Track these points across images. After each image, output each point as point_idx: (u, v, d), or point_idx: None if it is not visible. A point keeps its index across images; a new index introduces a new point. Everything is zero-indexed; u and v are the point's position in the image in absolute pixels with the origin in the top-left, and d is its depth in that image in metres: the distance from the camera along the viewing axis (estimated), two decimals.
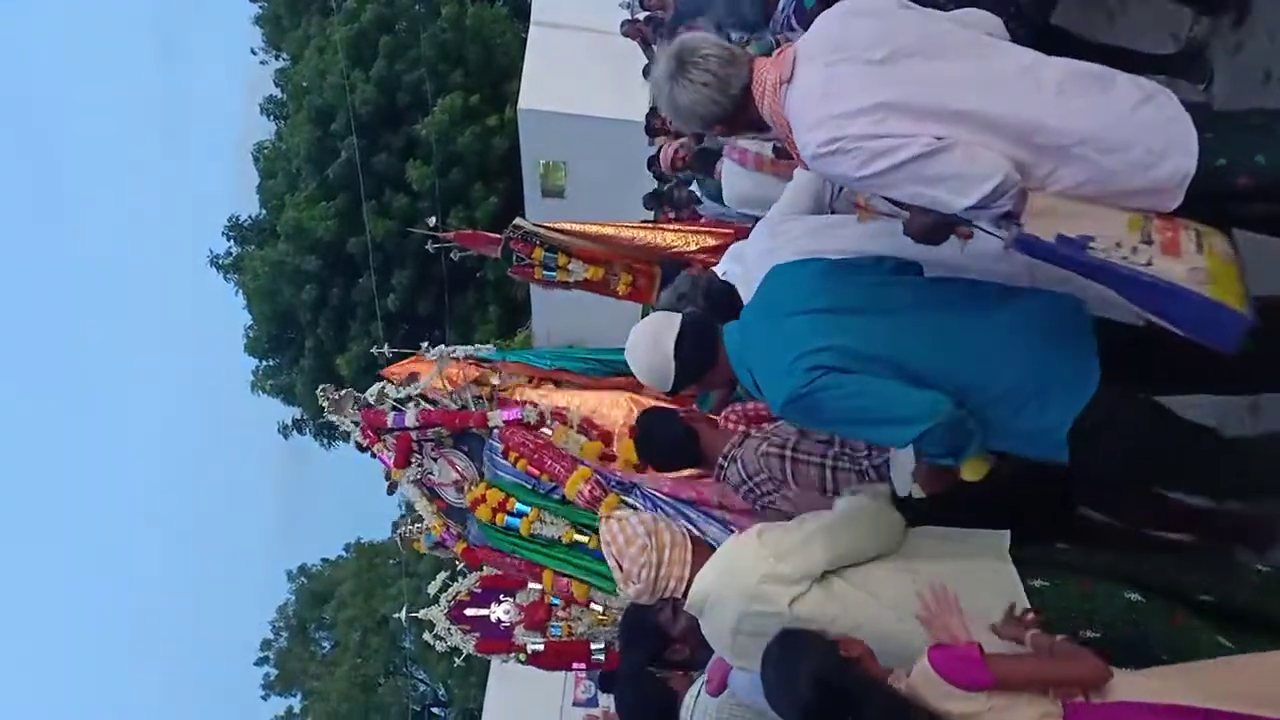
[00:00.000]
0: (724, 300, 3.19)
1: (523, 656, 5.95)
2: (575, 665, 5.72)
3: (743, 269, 3.27)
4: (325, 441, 25.48)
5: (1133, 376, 2.53)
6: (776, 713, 2.29)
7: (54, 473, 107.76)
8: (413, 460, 5.02)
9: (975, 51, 2.42)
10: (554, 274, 5.89)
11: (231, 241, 24.74)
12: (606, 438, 4.65)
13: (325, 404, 5.23)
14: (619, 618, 4.56)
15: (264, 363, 23.97)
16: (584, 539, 4.40)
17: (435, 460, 5.00)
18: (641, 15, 9.47)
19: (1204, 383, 2.72)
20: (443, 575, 6.46)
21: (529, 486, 4.56)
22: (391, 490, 5.29)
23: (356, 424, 5.12)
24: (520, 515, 4.54)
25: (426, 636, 6.13)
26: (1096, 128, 2.28)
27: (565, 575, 4.55)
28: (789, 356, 2.50)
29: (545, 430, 4.60)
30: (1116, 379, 2.44)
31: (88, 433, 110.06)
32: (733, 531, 3.43)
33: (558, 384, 5.11)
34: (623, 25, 9.74)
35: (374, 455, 5.17)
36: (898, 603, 2.49)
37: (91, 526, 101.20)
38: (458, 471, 4.92)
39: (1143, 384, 2.59)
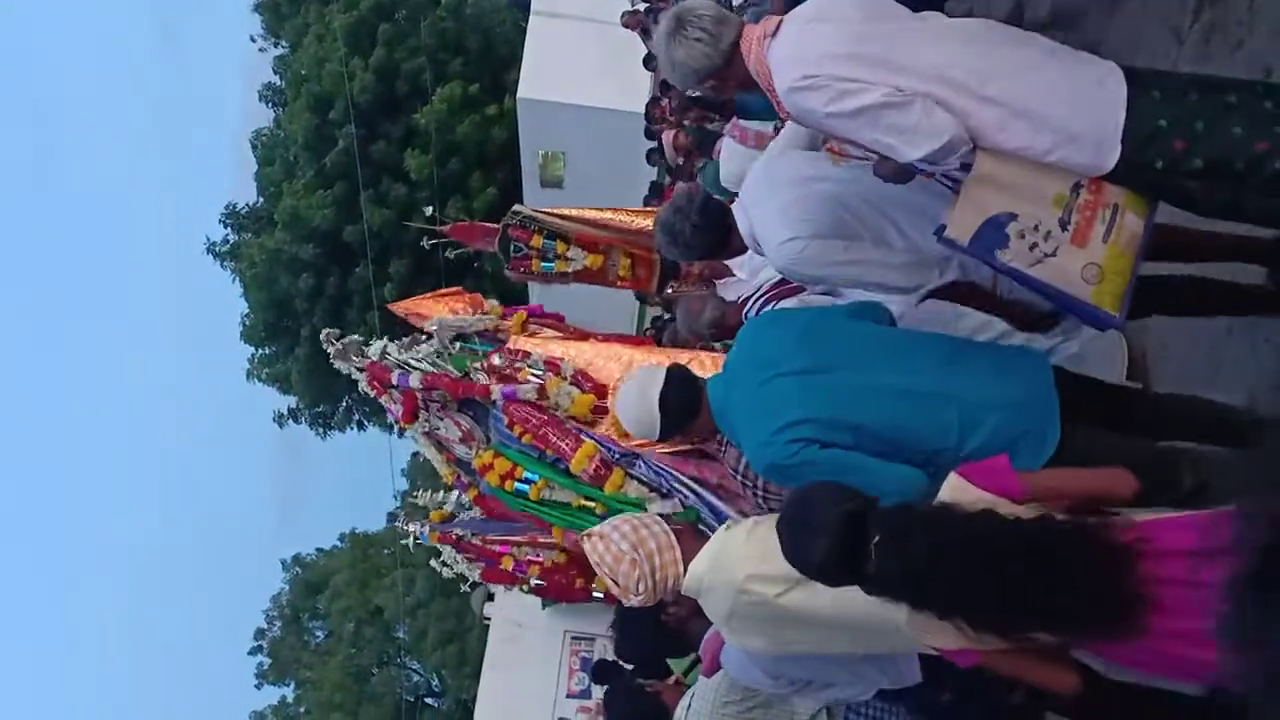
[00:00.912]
0: (716, 218, 3.28)
1: (526, 587, 5.87)
2: (577, 592, 5.55)
3: (740, 209, 3.30)
4: (321, 431, 25.50)
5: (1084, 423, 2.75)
6: (799, 566, 2.25)
7: (47, 461, 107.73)
8: (419, 415, 5.04)
9: (939, 24, 2.70)
10: (552, 265, 5.79)
11: (229, 229, 24.72)
12: (601, 391, 4.64)
13: (329, 349, 5.24)
14: None
15: (260, 351, 23.95)
16: (591, 505, 4.42)
17: (441, 419, 5.01)
18: (641, 6, 9.47)
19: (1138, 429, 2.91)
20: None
21: (535, 456, 4.57)
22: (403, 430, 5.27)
23: (361, 370, 5.13)
24: (529, 483, 4.56)
25: (433, 563, 6.05)
26: (1044, 81, 2.51)
27: (574, 532, 4.55)
28: (769, 427, 2.66)
29: (545, 401, 4.59)
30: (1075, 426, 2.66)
31: (82, 421, 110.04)
32: (729, 516, 3.44)
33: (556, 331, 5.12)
34: (623, 15, 9.74)
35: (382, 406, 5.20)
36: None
37: (85, 514, 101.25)
38: (463, 430, 4.94)
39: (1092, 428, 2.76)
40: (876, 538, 2.09)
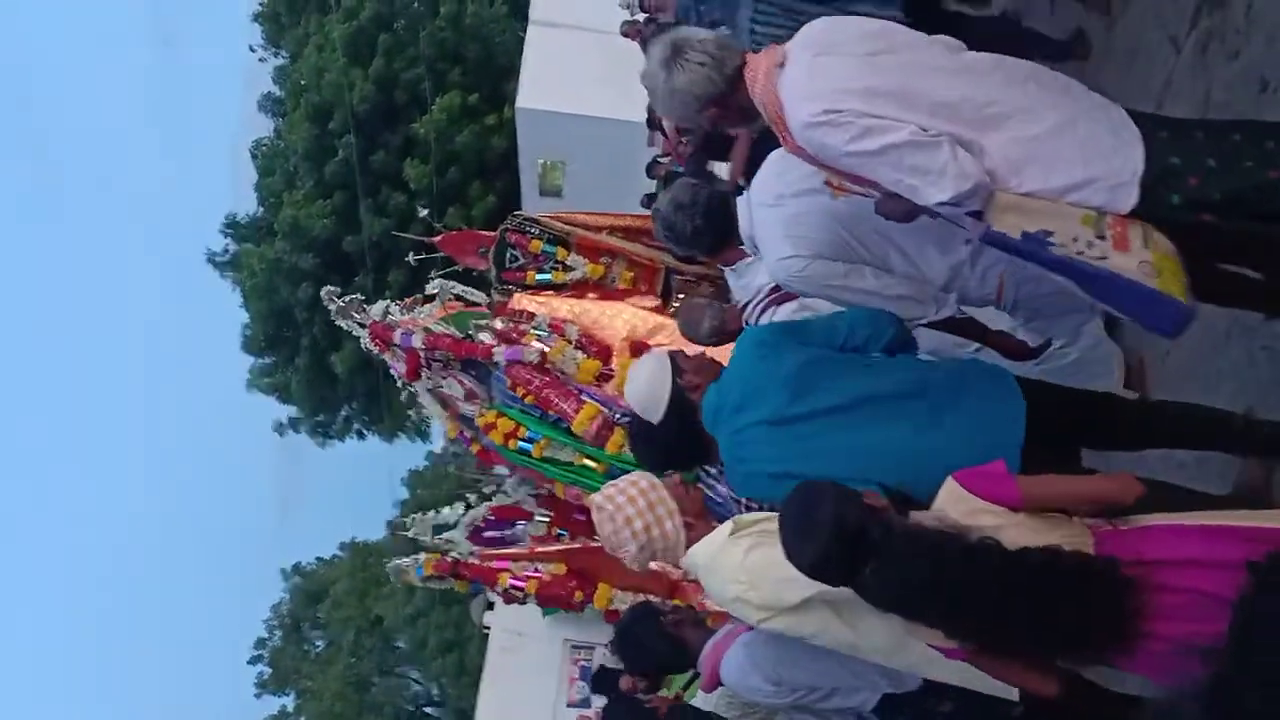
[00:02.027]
0: (719, 218, 3.25)
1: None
2: (575, 606, 5.50)
3: (745, 205, 3.28)
4: (320, 440, 25.48)
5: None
6: (793, 562, 2.24)
7: (48, 470, 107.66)
8: (422, 374, 5.02)
9: (950, 54, 2.62)
10: (549, 275, 5.67)
11: (229, 239, 24.73)
12: (605, 353, 4.66)
13: (330, 306, 5.23)
14: None
15: (260, 360, 23.95)
16: (592, 464, 4.41)
17: (444, 378, 5.00)
18: (641, 16, 9.46)
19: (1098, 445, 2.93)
20: (459, 505, 6.32)
21: (537, 416, 4.57)
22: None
23: (364, 326, 5.11)
24: (532, 442, 4.55)
25: (450, 557, 5.99)
26: (1062, 119, 2.45)
27: (576, 488, 4.53)
28: (744, 472, 2.83)
29: (547, 366, 4.59)
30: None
31: (82, 429, 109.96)
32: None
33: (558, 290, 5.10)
34: (622, 25, 9.72)
35: (385, 363, 5.19)
36: (882, 646, 2.59)
37: (85, 523, 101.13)
38: (466, 389, 4.93)
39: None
40: (872, 564, 2.08)
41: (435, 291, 5.39)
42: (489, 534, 6.06)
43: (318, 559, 33.21)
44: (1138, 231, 2.45)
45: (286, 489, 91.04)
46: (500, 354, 4.66)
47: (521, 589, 5.33)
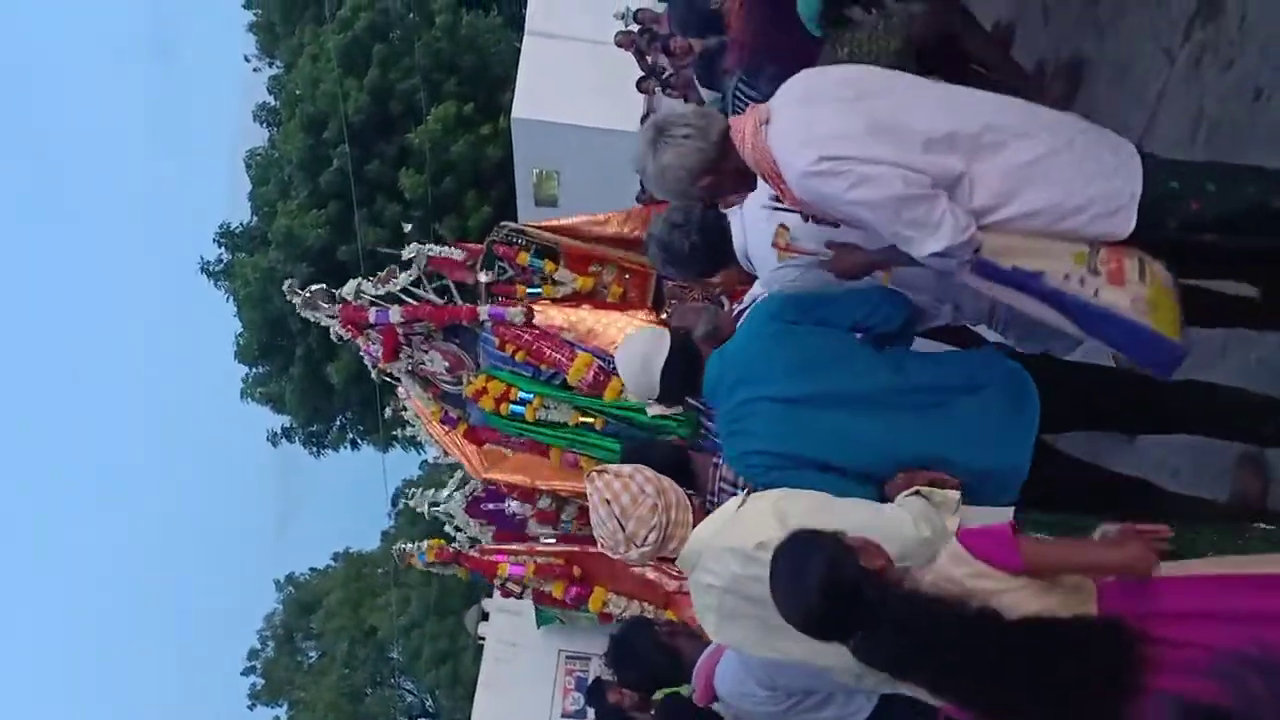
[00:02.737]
0: (716, 234, 3.23)
1: (525, 591, 5.71)
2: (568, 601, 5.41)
3: (737, 217, 3.26)
4: (315, 450, 25.43)
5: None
6: (782, 615, 2.16)
7: (40, 478, 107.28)
8: (401, 354, 4.91)
9: (934, 88, 2.64)
10: (539, 290, 5.46)
11: (222, 248, 24.70)
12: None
13: (295, 300, 5.09)
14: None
15: (254, 370, 23.90)
16: (590, 420, 4.35)
17: (426, 352, 4.89)
18: (635, 26, 9.50)
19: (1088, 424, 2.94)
20: (459, 473, 6.23)
21: (529, 375, 4.50)
22: (380, 375, 5.06)
23: (333, 317, 4.99)
24: (524, 403, 4.47)
25: (447, 528, 5.95)
26: (1058, 140, 2.44)
27: (573, 452, 4.44)
28: (741, 447, 2.79)
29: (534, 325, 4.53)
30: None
31: (74, 438, 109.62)
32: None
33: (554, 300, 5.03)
34: (617, 36, 9.76)
35: (358, 349, 5.02)
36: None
37: (77, 533, 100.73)
38: (451, 359, 4.85)
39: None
40: (865, 629, 2.01)
41: (412, 256, 5.25)
42: (487, 506, 6.05)
43: (311, 569, 33.14)
44: (1134, 263, 2.42)
45: (280, 499, 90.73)
46: (486, 312, 4.60)
47: (521, 575, 5.30)
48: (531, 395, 4.44)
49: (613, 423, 4.43)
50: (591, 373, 4.25)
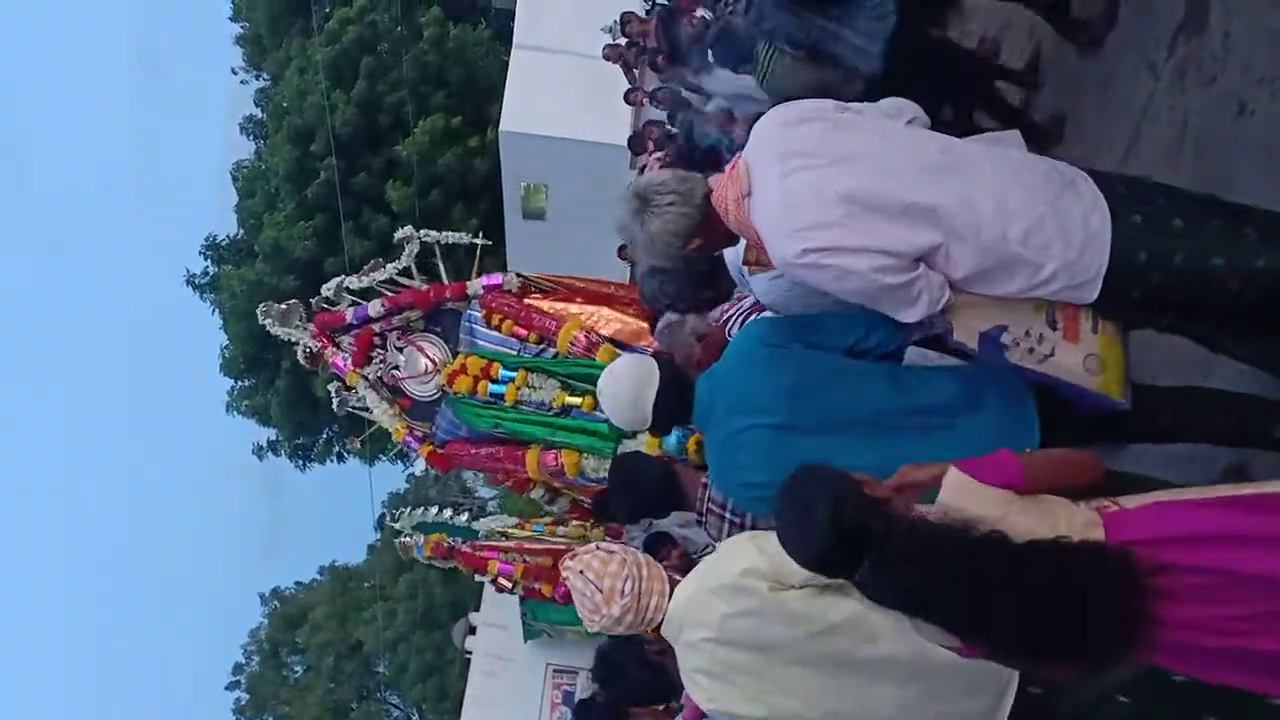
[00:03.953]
0: (705, 266, 3.17)
1: (516, 588, 5.65)
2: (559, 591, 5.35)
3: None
4: (300, 463, 25.31)
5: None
6: (790, 554, 2.16)
7: (23, 492, 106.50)
8: (374, 356, 4.78)
9: (910, 146, 2.55)
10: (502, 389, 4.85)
11: (209, 261, 24.62)
12: (592, 349, 4.55)
13: (267, 321, 4.98)
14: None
15: (239, 383, 23.80)
16: (576, 400, 4.24)
17: (402, 350, 4.76)
18: (623, 40, 9.51)
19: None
20: (446, 510, 6.16)
21: (514, 351, 4.42)
22: (342, 406, 4.88)
23: (306, 329, 4.87)
24: (506, 381, 4.36)
25: (446, 543, 5.80)
26: (1025, 227, 2.42)
27: (554, 445, 4.28)
28: (735, 479, 2.76)
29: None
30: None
31: (59, 450, 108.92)
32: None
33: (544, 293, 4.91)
34: (605, 49, 9.77)
35: (324, 368, 4.82)
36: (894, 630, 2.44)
37: (61, 546, 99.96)
38: (429, 357, 4.73)
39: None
40: (871, 560, 1.98)
41: (403, 236, 5.16)
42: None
43: (297, 583, 32.97)
44: (1088, 314, 2.54)
45: (266, 513, 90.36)
46: (477, 285, 4.53)
47: (510, 574, 5.27)
48: (514, 373, 4.31)
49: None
50: (583, 335, 4.17)
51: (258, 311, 5.01)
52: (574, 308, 4.75)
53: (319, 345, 4.82)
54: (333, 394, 4.99)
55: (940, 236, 2.41)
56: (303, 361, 5.00)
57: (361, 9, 21.70)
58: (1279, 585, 1.94)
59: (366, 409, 4.83)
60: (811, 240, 2.41)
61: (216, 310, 23.33)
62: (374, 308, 4.74)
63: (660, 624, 2.75)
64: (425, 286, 4.85)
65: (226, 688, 32.04)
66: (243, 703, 31.65)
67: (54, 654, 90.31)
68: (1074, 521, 2.05)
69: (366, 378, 4.81)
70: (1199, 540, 1.99)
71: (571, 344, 4.24)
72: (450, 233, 5.36)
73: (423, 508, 6.14)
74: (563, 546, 5.30)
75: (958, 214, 2.41)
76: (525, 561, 5.38)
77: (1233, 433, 2.85)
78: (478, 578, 5.95)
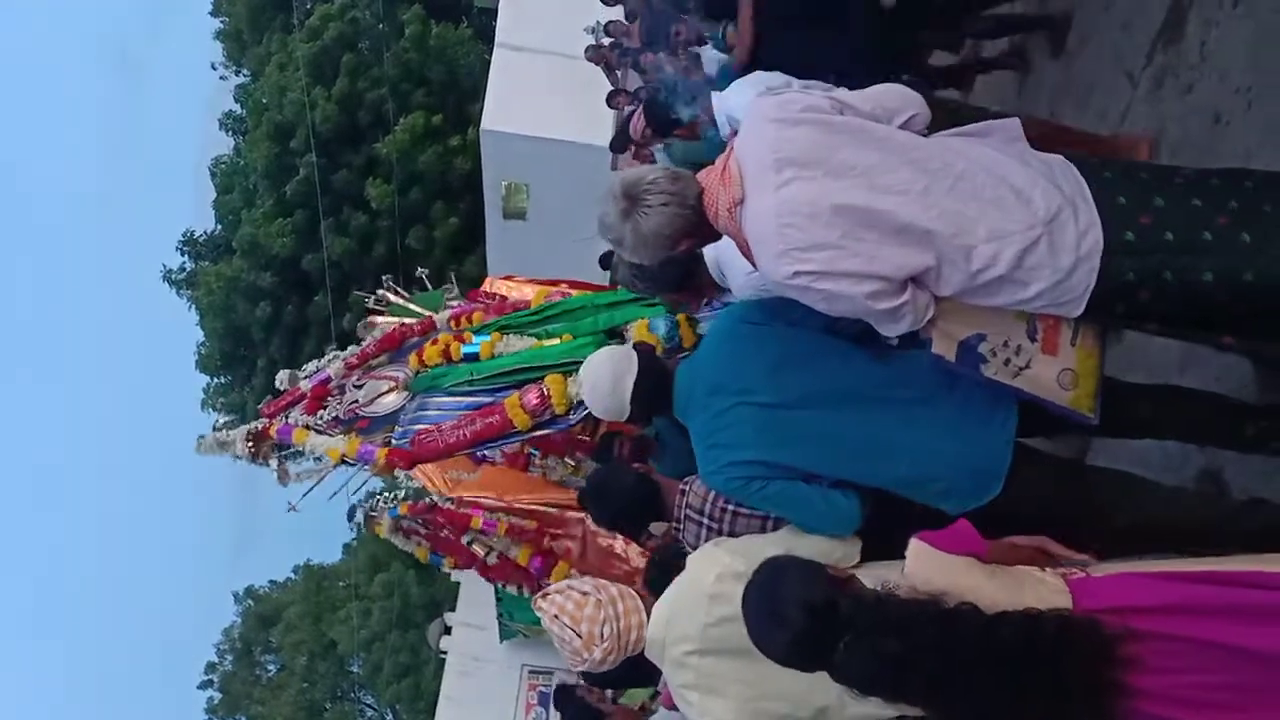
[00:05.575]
0: (680, 260, 3.05)
1: (492, 555, 5.60)
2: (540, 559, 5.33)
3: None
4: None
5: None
6: (765, 652, 2.14)
7: None
8: (328, 403, 4.63)
9: (907, 157, 2.46)
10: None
11: (186, 257, 24.48)
12: None
13: (201, 451, 4.72)
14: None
15: (215, 380, 23.66)
16: (554, 341, 4.12)
17: (361, 387, 4.66)
18: (606, 41, 9.52)
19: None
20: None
21: (491, 324, 4.39)
22: (284, 478, 4.60)
23: (244, 433, 4.59)
24: (480, 343, 4.24)
25: (426, 500, 5.66)
26: (1018, 250, 2.38)
27: (537, 370, 4.03)
28: (721, 459, 2.70)
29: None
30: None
31: (30, 448, 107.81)
32: None
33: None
34: (587, 50, 9.77)
35: (264, 454, 4.57)
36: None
37: (33, 542, 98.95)
38: (389, 376, 4.63)
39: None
40: (846, 639, 1.97)
41: (385, 288, 5.19)
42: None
43: (271, 582, 32.78)
44: (1069, 325, 2.55)
45: (241, 511, 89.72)
46: (444, 317, 4.53)
47: (493, 531, 5.21)
48: (488, 335, 4.25)
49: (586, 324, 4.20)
50: (558, 294, 4.14)
51: (196, 444, 4.69)
52: (560, 298, 4.78)
53: (261, 426, 4.59)
54: (272, 471, 4.65)
55: (933, 260, 2.39)
56: (244, 459, 4.66)
57: (343, 6, 21.66)
58: (1250, 656, 1.93)
59: (317, 458, 4.59)
60: (805, 264, 2.37)
61: (193, 306, 23.19)
62: (335, 369, 4.63)
63: (644, 648, 2.76)
64: (392, 326, 4.82)
65: (199, 687, 31.88)
66: (215, 702, 31.45)
67: (24, 652, 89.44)
68: (1041, 591, 2.07)
69: (317, 426, 4.55)
70: (1166, 611, 2.00)
71: (548, 298, 4.25)
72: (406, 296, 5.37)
73: (399, 490, 5.99)
74: (553, 511, 5.27)
75: (953, 237, 2.37)
76: (510, 521, 5.30)
77: (1207, 430, 2.86)
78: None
